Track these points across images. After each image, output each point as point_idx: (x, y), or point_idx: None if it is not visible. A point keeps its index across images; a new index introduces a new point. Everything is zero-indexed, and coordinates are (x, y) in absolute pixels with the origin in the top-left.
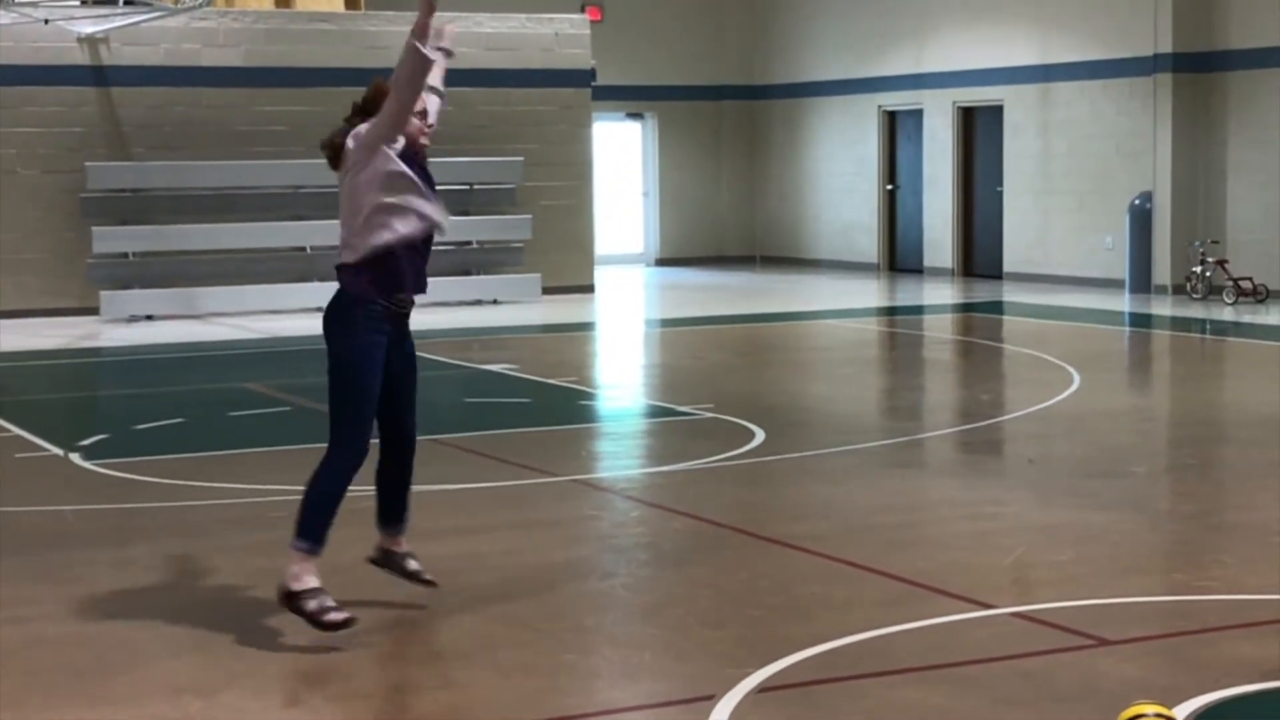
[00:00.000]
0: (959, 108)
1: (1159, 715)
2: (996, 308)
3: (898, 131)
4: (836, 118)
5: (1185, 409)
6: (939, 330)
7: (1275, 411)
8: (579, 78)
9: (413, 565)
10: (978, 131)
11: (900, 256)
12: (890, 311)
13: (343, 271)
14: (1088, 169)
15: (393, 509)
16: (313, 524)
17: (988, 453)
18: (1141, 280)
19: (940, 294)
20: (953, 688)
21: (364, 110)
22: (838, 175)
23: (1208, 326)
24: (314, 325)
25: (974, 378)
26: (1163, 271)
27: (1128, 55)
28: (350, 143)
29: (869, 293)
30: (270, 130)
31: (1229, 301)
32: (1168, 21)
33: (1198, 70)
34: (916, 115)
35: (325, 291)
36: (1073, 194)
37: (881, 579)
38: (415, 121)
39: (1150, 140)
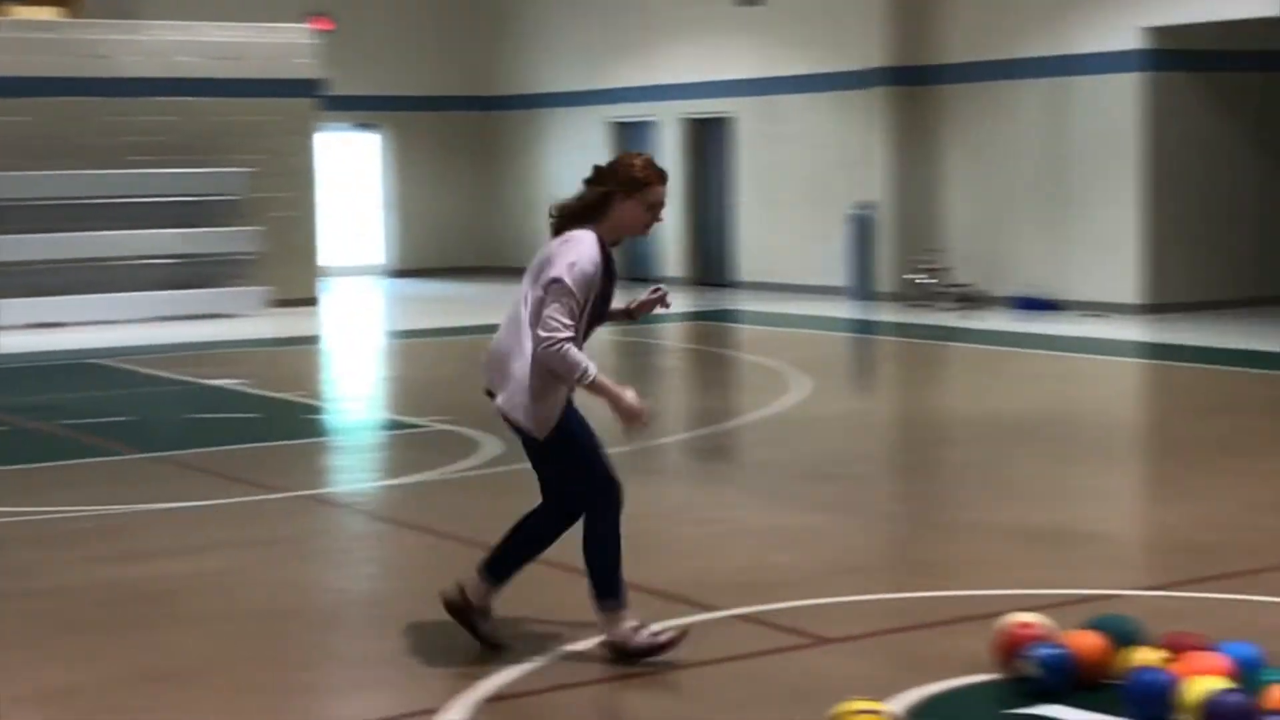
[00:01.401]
0: (688, 120)
1: (869, 711)
2: (728, 316)
3: (629, 143)
4: (568, 129)
5: (906, 411)
6: (672, 339)
7: (991, 413)
8: (304, 88)
9: (486, 628)
10: (707, 143)
11: (633, 266)
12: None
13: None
14: (812, 179)
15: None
16: (609, 582)
17: (717, 458)
18: (864, 287)
19: (673, 303)
20: (677, 691)
21: (599, 179)
22: (570, 186)
23: (927, 332)
24: (32, 340)
25: (705, 384)
26: (884, 279)
27: (847, 69)
28: (554, 251)
29: None
30: None
31: (947, 307)
32: (884, 36)
33: (913, 83)
34: (646, 127)
35: (44, 306)
36: (799, 204)
37: None
38: (646, 216)
39: (870, 151)
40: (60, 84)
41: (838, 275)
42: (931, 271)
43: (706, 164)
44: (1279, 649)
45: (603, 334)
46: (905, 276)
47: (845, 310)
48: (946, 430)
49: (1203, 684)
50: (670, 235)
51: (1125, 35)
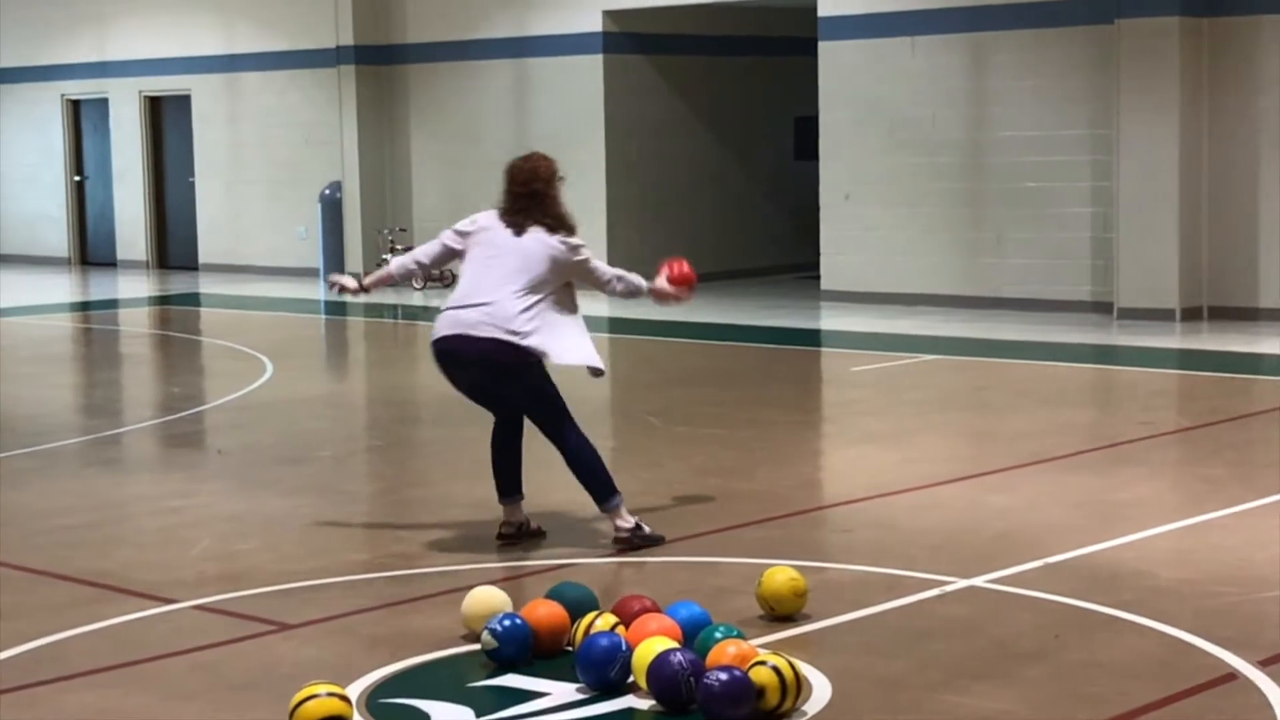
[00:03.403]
0: (146, 97)
1: (330, 694)
2: (192, 300)
3: (83, 121)
4: (18, 106)
5: (374, 392)
6: (133, 324)
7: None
8: None
9: (534, 526)
10: (166, 121)
11: (92, 249)
12: (83, 307)
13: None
14: (279, 159)
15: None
16: (606, 483)
17: (180, 445)
18: (335, 267)
19: (135, 287)
20: (128, 687)
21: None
22: (20, 166)
23: (399, 312)
24: None
25: (169, 371)
26: (355, 259)
27: (312, 46)
28: (560, 249)
29: (59, 288)
30: None
31: (418, 287)
32: (348, 15)
33: (379, 62)
34: (102, 104)
35: None
36: (265, 184)
37: (60, 583)
38: None
39: (338, 131)
40: None
41: (305, 256)
42: (401, 250)
43: (167, 143)
44: (724, 608)
45: (61, 320)
46: (383, 257)
47: (316, 292)
48: (415, 409)
49: (651, 646)
50: (130, 217)
51: (588, 18)
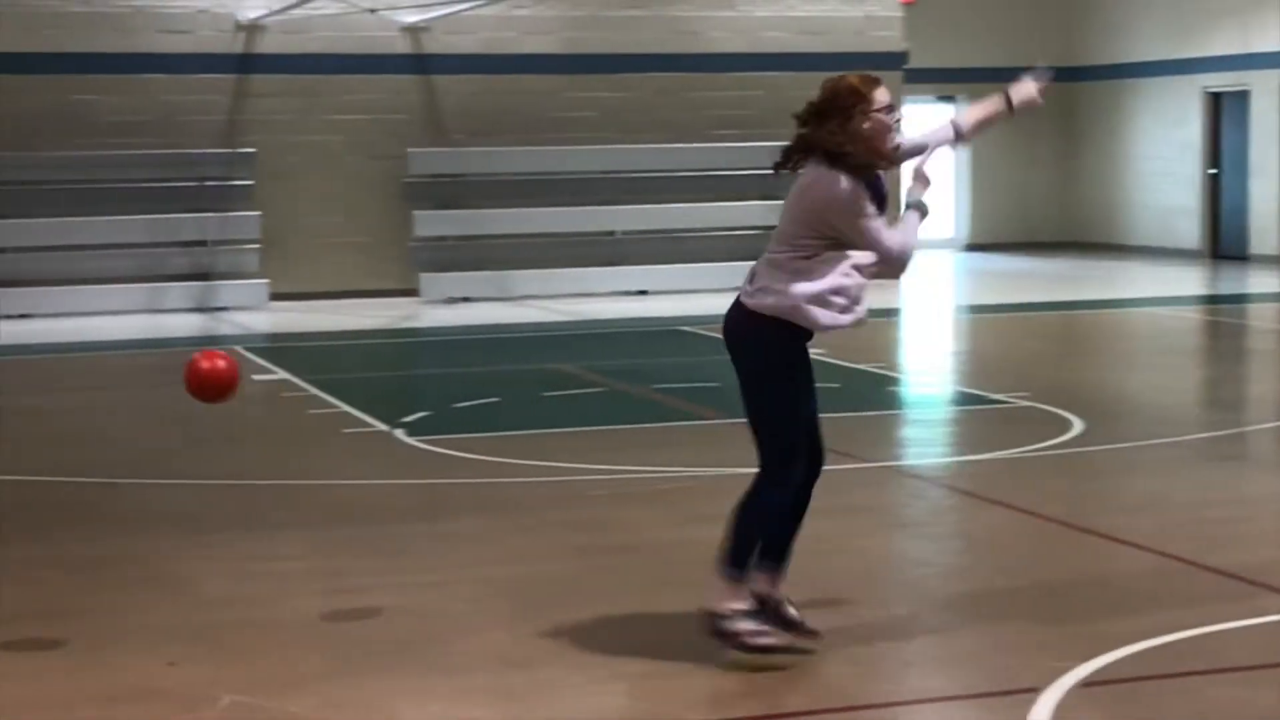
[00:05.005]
0: None
1: None
2: None
3: (1222, 114)
4: (1156, 99)
5: None
6: (1264, 320)
7: None
8: (890, 60)
9: (791, 613)
10: None
11: (1223, 243)
12: (1212, 300)
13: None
14: None
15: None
16: (746, 552)
17: None
18: None
19: (1266, 282)
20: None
21: (819, 114)
22: (1155, 159)
23: None
24: (620, 307)
25: None
26: None
27: None
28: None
29: (1189, 280)
30: (583, 116)
31: None
32: None
33: None
34: (1242, 96)
35: (631, 275)
36: None
37: (1207, 574)
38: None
39: None
40: (653, 60)
41: None
42: None
43: None
44: None
45: (1191, 312)
46: None
47: None
48: None
49: None
50: (1264, 211)
51: None
